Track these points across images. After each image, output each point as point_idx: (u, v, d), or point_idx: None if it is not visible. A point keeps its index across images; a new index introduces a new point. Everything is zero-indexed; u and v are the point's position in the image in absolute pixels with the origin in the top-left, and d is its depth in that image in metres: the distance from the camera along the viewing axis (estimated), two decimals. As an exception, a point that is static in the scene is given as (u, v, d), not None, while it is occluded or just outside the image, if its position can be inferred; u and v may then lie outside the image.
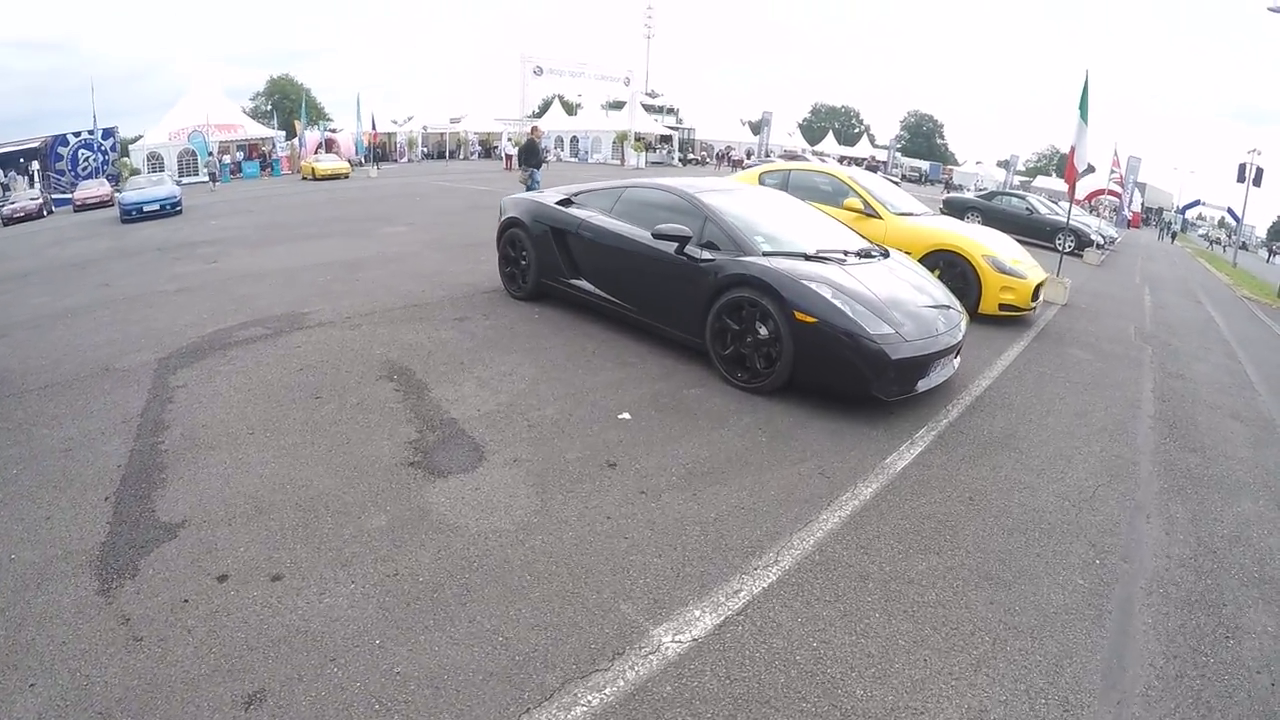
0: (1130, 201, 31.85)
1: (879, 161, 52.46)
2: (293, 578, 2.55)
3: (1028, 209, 17.15)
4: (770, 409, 4.29)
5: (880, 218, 7.40)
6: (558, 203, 6.10)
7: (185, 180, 31.54)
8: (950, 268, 6.91)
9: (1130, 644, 2.55)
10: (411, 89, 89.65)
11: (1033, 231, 16.06)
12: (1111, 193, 26.46)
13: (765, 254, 4.61)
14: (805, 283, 4.22)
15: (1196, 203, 49.15)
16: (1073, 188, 9.38)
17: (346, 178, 29.24)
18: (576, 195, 6.14)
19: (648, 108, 47.82)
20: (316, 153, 34.26)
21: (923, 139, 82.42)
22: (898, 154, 63.74)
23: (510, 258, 6.53)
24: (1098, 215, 23.37)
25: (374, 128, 34.55)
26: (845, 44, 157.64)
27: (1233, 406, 5.54)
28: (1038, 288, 7.03)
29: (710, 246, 4.80)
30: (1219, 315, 11.21)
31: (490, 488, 3.21)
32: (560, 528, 2.94)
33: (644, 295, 5.28)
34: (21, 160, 31.61)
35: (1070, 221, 12.03)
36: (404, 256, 8.88)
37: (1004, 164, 54.88)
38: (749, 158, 38.03)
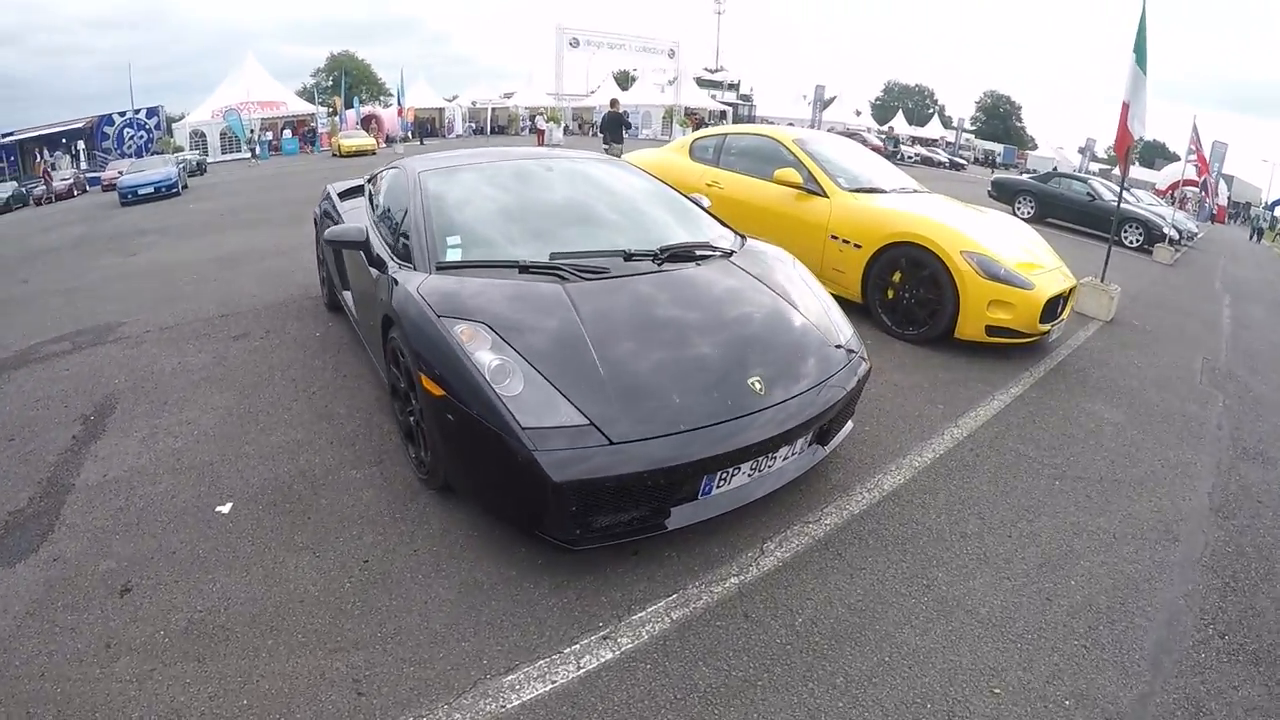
0: (1215, 192, 27.39)
1: (948, 142, 48.49)
2: None
3: (1089, 194, 14.17)
4: (436, 521, 2.58)
5: (825, 195, 5.24)
6: (344, 191, 4.87)
7: (228, 157, 33.09)
8: (915, 269, 4.74)
9: None
10: (468, 65, 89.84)
11: (1094, 221, 13.38)
12: (1189, 182, 21.89)
13: (441, 266, 2.74)
14: (440, 322, 2.33)
15: (1289, 198, 43.57)
16: (1124, 157, 6.66)
17: (373, 154, 29.89)
18: (375, 178, 4.55)
19: (710, 84, 45.90)
20: (356, 129, 35.10)
21: (999, 121, 76.28)
22: (969, 135, 59.33)
23: (322, 260, 5.22)
24: (1179, 208, 19.15)
25: (400, 103, 33.60)
26: (923, 21, 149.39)
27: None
28: (1054, 301, 4.67)
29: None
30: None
31: (-12, 602, 2.25)
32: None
33: (364, 320, 3.65)
34: (65, 140, 32.39)
35: (1140, 209, 9.30)
36: (297, 249, 7.89)
37: (1083, 150, 50.25)
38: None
